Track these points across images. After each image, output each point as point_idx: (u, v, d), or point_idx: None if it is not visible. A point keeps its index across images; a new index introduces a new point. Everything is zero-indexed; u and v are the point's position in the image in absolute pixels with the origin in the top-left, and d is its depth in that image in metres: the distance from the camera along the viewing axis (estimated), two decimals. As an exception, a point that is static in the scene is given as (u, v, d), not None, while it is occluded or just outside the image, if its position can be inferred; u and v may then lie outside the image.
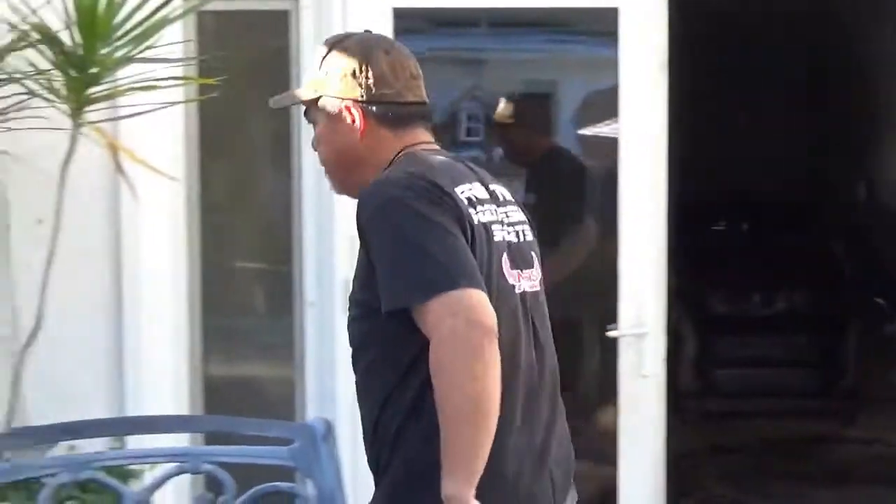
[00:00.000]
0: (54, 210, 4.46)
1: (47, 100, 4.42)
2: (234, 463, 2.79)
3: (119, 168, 4.59)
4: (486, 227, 2.69)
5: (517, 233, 2.80)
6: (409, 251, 2.54)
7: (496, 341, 2.48)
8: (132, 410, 4.88)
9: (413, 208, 2.57)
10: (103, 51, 4.37)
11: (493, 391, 2.45)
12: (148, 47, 4.41)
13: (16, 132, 4.58)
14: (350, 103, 2.78)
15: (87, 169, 4.64)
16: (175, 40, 4.65)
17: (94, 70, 4.37)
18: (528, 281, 2.76)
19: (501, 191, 2.83)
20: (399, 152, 2.78)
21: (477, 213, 2.68)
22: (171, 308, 5.04)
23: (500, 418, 2.50)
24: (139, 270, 4.96)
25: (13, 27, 4.38)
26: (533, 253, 2.84)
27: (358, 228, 2.63)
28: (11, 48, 4.42)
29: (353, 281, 2.71)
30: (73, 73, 4.37)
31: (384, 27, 4.84)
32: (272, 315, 5.45)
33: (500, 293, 2.64)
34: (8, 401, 4.56)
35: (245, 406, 5.18)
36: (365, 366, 2.68)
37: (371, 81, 2.77)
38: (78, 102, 4.39)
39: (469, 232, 2.62)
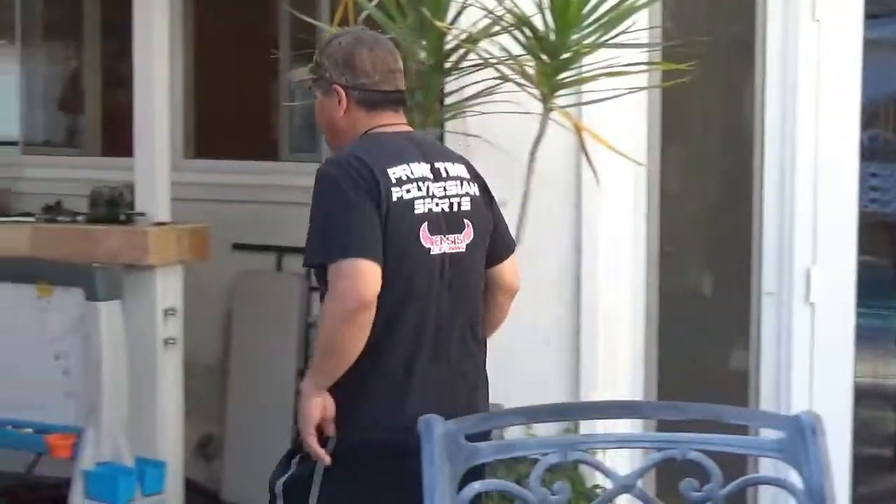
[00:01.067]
0: (521, 193, 4.54)
1: (519, 85, 4.50)
2: (716, 452, 2.73)
3: (585, 152, 4.62)
4: (407, 202, 3.35)
5: (450, 204, 3.44)
6: (323, 221, 3.28)
7: (368, 309, 3.22)
8: (585, 395, 4.92)
9: (336, 185, 3.30)
10: (574, 36, 4.41)
11: (350, 343, 3.26)
12: (618, 33, 4.41)
13: (484, 116, 4.70)
14: (338, 86, 3.47)
15: (552, 153, 4.69)
16: (642, 26, 4.63)
17: (565, 55, 4.41)
18: (449, 244, 3.41)
19: (449, 168, 3.48)
20: (367, 130, 3.47)
21: (400, 190, 3.34)
22: (628, 293, 5.05)
23: (413, 348, 3.35)
24: (597, 255, 4.98)
25: (489, 12, 4.48)
26: (466, 220, 3.46)
27: None
28: (486, 33, 4.52)
29: None
30: (544, 58, 4.43)
31: (855, 11, 4.74)
32: (727, 303, 5.36)
33: (415, 254, 3.35)
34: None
35: (695, 394, 5.12)
36: None
37: (354, 71, 3.47)
38: (549, 87, 4.45)
39: (385, 206, 3.30)
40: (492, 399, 3.62)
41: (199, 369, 6.05)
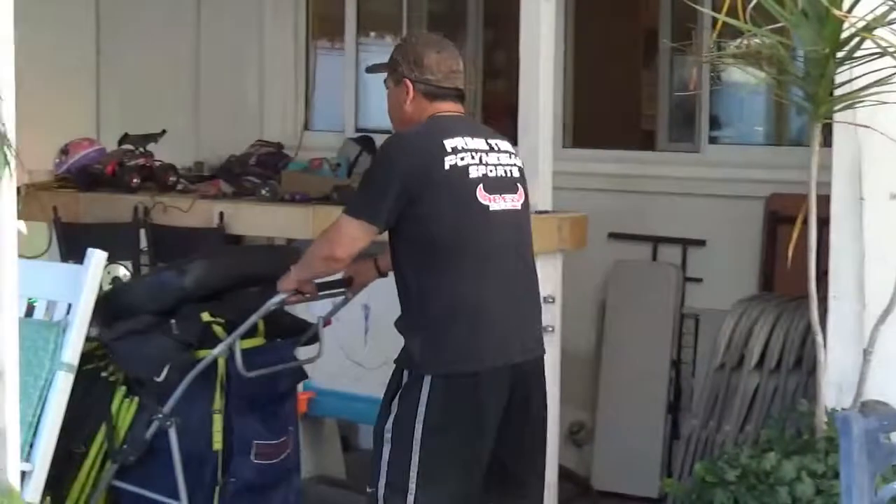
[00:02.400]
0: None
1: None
2: None
3: None
4: (462, 168, 4.09)
5: (505, 171, 4.21)
6: (365, 181, 4.21)
7: (335, 262, 4.26)
8: None
9: (388, 154, 4.20)
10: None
11: (318, 272, 4.40)
12: None
13: (874, 107, 4.55)
14: (407, 80, 4.24)
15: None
16: None
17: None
18: (504, 202, 4.18)
19: (500, 143, 4.28)
20: (431, 116, 4.22)
21: (455, 157, 4.09)
22: None
23: (482, 290, 4.10)
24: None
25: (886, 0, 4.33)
26: (518, 185, 4.26)
27: None
28: (883, 20, 4.37)
29: None
30: (946, 46, 4.26)
31: None
32: None
33: (471, 208, 4.10)
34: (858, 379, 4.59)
35: None
36: None
37: (422, 69, 4.23)
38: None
39: (438, 168, 4.06)
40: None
41: (572, 357, 6.09)
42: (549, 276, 5.51)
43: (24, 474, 3.65)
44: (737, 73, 5.94)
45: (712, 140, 6.91)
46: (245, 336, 4.70)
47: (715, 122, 7.01)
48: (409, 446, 4.02)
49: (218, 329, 4.79)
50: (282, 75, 7.88)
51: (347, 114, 7.79)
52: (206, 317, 4.81)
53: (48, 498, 4.55)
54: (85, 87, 7.46)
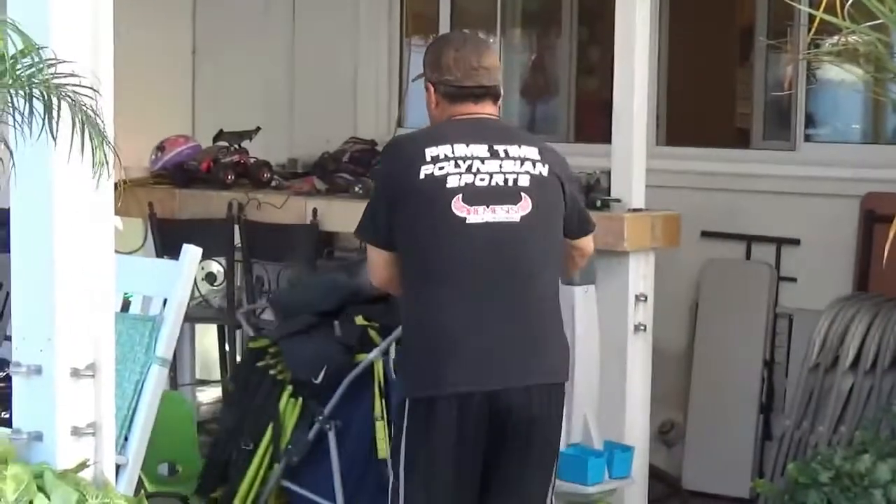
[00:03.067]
0: None
1: None
2: None
3: None
4: (438, 178, 3.82)
5: (504, 179, 3.86)
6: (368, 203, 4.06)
7: (384, 287, 4.06)
8: None
9: (380, 162, 4.44)
10: None
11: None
12: None
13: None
14: (429, 83, 4.02)
15: None
16: None
17: None
18: (492, 214, 3.83)
19: (511, 149, 3.90)
20: (447, 120, 3.99)
21: (433, 167, 3.83)
22: None
23: (452, 311, 3.82)
24: None
25: None
26: (523, 194, 3.86)
27: None
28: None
29: None
30: None
31: None
32: None
33: (444, 221, 3.82)
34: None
35: None
36: None
37: (440, 70, 3.99)
38: None
39: (412, 177, 3.83)
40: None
41: (663, 356, 6.06)
42: (641, 274, 5.51)
43: (118, 468, 3.70)
44: (833, 71, 5.89)
45: (808, 138, 6.83)
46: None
47: (810, 120, 6.94)
48: (398, 473, 3.88)
49: (373, 333, 4.76)
50: (375, 72, 7.91)
51: (440, 111, 7.79)
52: (360, 320, 4.79)
53: (218, 491, 4.60)
54: (181, 85, 7.56)
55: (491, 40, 4.22)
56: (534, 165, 3.91)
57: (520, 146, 3.94)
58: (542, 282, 3.93)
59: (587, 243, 4.18)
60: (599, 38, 7.25)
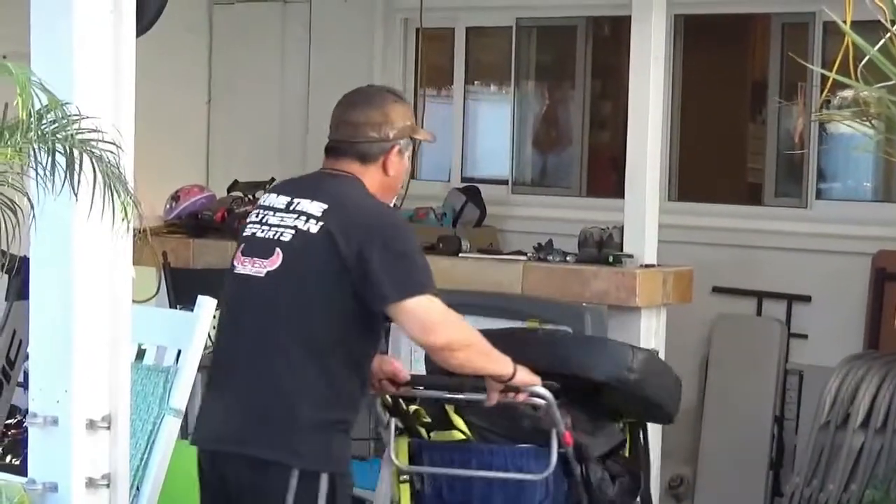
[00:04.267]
0: None
1: None
2: None
3: None
4: (247, 225, 3.74)
5: (275, 232, 3.64)
6: None
7: None
8: None
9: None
10: None
11: None
12: None
13: None
14: None
15: None
16: None
17: None
18: (252, 267, 3.64)
19: (304, 203, 3.65)
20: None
21: (251, 215, 3.75)
22: None
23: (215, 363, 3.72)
24: None
25: None
26: (277, 249, 3.61)
27: None
28: None
29: None
30: None
31: None
32: None
33: (230, 271, 3.72)
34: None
35: None
36: None
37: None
38: None
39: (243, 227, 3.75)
40: None
41: (674, 410, 6.07)
42: (652, 329, 5.52)
43: (130, 517, 3.71)
44: (844, 127, 5.91)
45: (819, 195, 6.86)
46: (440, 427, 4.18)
47: (822, 177, 6.96)
48: None
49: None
50: (389, 124, 7.93)
51: (454, 163, 7.84)
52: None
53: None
54: (195, 135, 7.62)
55: (391, 97, 3.82)
56: (306, 221, 3.63)
57: (312, 201, 3.66)
58: (285, 350, 3.59)
59: (417, 322, 3.59)
60: (612, 93, 7.29)
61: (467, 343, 3.67)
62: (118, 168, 2.75)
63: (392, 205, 3.93)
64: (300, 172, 7.58)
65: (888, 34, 4.42)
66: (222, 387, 3.71)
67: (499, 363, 3.77)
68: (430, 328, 3.58)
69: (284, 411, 3.57)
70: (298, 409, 3.56)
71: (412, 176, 7.83)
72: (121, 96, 3.21)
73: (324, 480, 3.54)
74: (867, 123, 4.69)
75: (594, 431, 4.12)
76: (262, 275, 3.62)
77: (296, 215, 3.65)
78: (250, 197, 6.73)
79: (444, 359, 3.70)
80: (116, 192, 2.70)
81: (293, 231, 3.63)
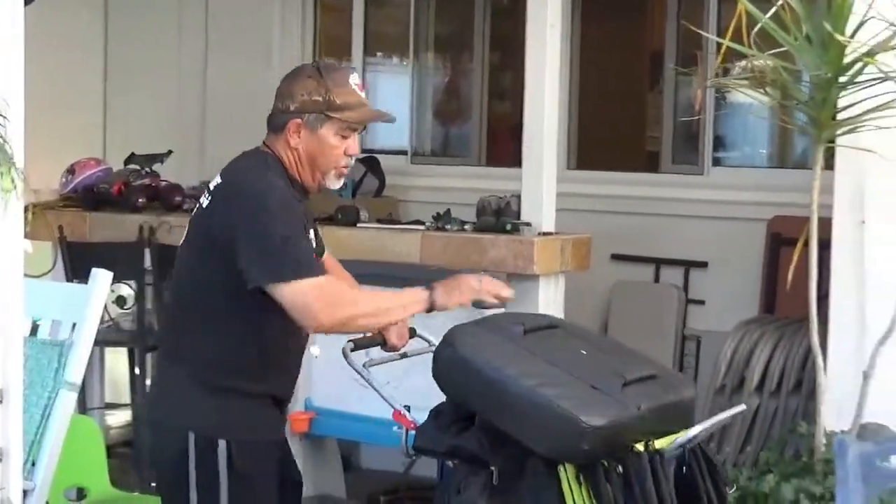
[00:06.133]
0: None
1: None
2: None
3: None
4: None
5: (196, 209, 3.67)
6: None
7: None
8: None
9: None
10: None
11: None
12: None
13: (879, 131, 4.57)
14: None
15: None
16: None
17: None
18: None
19: (213, 181, 3.67)
20: None
21: None
22: None
23: None
24: None
25: (890, 24, 4.35)
26: (190, 222, 3.70)
27: None
28: (886, 46, 4.39)
29: None
30: (945, 72, 4.28)
31: None
32: None
33: None
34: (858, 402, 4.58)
35: None
36: None
37: None
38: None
39: None
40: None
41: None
42: (551, 297, 5.55)
43: (25, 493, 3.67)
44: (741, 96, 5.98)
45: (716, 162, 6.94)
46: None
47: (719, 144, 7.04)
48: None
49: None
50: (288, 95, 7.89)
51: (353, 134, 7.80)
52: None
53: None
54: (92, 107, 7.51)
55: (307, 71, 3.75)
56: (206, 197, 3.67)
57: (217, 176, 3.70)
58: (183, 319, 3.70)
59: (292, 303, 3.48)
60: (511, 63, 7.31)
61: (361, 313, 3.62)
62: (3, 138, 2.70)
63: (336, 187, 3.80)
64: (198, 144, 7.69)
65: (780, 2, 4.50)
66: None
67: (407, 306, 3.73)
68: (311, 315, 3.49)
69: (182, 378, 3.65)
70: (193, 375, 3.62)
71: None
72: (9, 65, 3.15)
73: (222, 446, 3.54)
74: (762, 91, 4.77)
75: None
76: (181, 252, 3.75)
77: (207, 192, 3.69)
78: (147, 170, 6.66)
79: (342, 332, 3.71)
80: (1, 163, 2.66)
81: (198, 208, 3.70)
